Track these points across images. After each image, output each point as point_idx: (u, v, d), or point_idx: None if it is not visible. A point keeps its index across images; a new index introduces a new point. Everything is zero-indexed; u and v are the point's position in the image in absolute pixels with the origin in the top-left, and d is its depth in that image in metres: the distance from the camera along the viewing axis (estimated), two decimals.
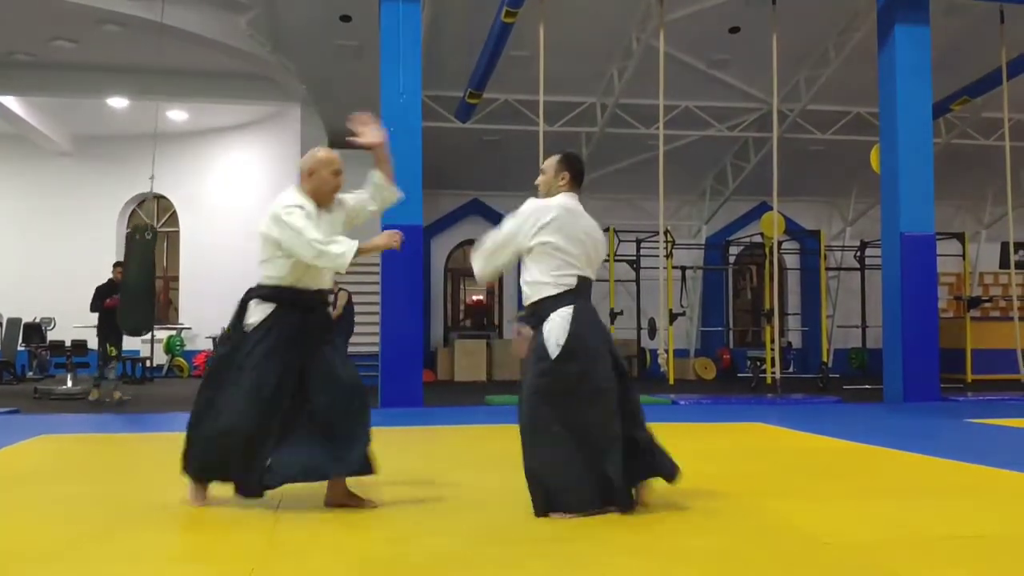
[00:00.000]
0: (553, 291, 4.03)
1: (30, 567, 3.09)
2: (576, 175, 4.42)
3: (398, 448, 6.65)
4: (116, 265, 11.43)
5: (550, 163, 4.39)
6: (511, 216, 4.23)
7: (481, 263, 4.32)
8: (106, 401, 10.82)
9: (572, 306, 4.01)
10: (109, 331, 11.04)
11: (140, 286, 10.64)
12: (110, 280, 11.22)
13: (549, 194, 4.36)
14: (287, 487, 4.08)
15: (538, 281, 4.08)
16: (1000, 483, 4.87)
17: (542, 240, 4.09)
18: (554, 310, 4.00)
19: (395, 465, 5.37)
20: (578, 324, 3.97)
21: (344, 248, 3.94)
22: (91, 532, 3.64)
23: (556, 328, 3.96)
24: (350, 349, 14.96)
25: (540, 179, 4.42)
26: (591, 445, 3.85)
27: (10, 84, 15.25)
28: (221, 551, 3.28)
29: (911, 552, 3.24)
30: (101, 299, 11.10)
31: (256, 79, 15.19)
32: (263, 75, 14.83)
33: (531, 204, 4.22)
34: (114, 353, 11.13)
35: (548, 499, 3.82)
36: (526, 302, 4.15)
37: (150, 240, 10.92)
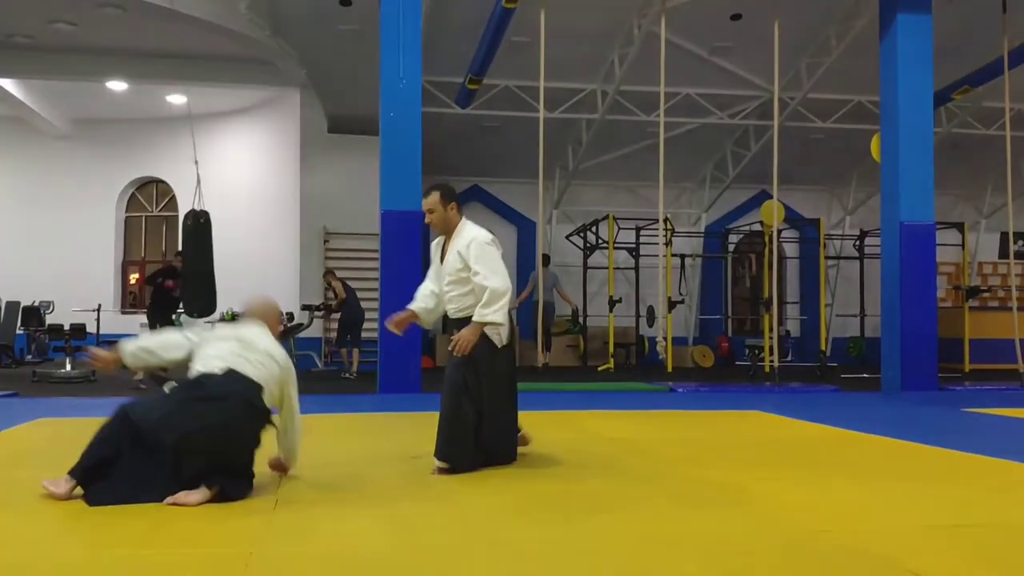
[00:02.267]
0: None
1: (26, 550, 3.10)
2: (459, 203, 5.00)
3: (398, 431, 6.67)
4: (178, 253, 12.17)
5: (434, 200, 4.89)
6: (486, 251, 4.79)
7: (505, 306, 4.75)
8: (141, 386, 10.59)
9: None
10: (161, 312, 11.46)
11: (200, 270, 11.35)
12: (171, 264, 11.83)
13: (448, 226, 4.91)
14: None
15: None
16: (997, 472, 4.88)
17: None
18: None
19: (395, 448, 5.39)
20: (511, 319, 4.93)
21: None
22: (88, 515, 3.65)
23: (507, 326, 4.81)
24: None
25: (431, 218, 4.90)
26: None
27: (9, 67, 15.19)
28: (220, 534, 3.29)
29: (908, 540, 3.25)
30: (162, 278, 11.64)
31: (256, 63, 15.13)
32: (263, 59, 14.77)
33: (488, 236, 4.87)
34: None
35: None
36: (464, 312, 4.79)
37: (204, 224, 11.37)
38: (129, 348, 4.20)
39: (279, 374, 4.16)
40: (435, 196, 4.88)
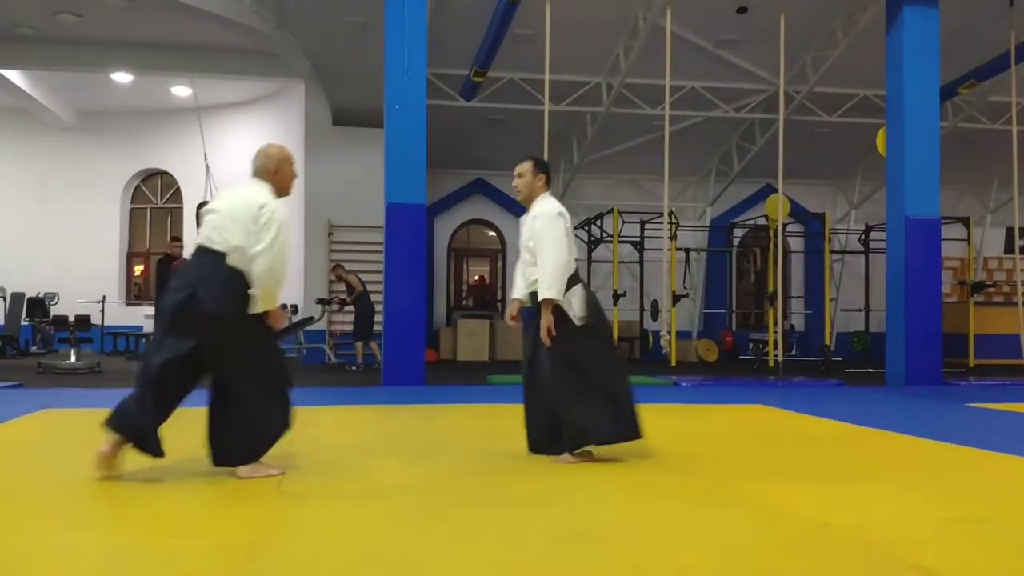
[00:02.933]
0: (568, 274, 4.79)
1: (30, 538, 3.10)
2: (549, 177, 5.06)
3: (402, 424, 6.68)
4: (174, 240, 11.94)
5: (526, 167, 4.98)
6: (549, 224, 4.77)
7: (559, 279, 4.72)
8: None
9: (580, 283, 4.85)
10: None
11: None
12: (167, 255, 11.67)
13: (531, 195, 4.97)
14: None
15: None
16: (1000, 467, 4.88)
17: (569, 228, 4.83)
18: (570, 288, 4.76)
19: (397, 442, 5.40)
20: (589, 295, 4.86)
21: None
22: (91, 505, 3.66)
23: (578, 301, 4.76)
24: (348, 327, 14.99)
25: (519, 182, 4.98)
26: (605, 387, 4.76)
27: (14, 58, 15.21)
28: (223, 524, 3.30)
29: (911, 534, 3.24)
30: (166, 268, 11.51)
31: (260, 55, 15.13)
32: (267, 51, 14.77)
33: (555, 209, 4.84)
34: None
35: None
36: (532, 286, 4.79)
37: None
38: None
39: (241, 232, 4.14)
40: (528, 164, 4.98)
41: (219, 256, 4.13)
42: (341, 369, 13.48)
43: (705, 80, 14.90)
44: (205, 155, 12.68)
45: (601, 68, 14.60)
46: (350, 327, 14.26)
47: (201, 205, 12.59)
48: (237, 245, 4.14)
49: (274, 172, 4.43)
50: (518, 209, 5.19)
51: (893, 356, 11.19)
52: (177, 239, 12.28)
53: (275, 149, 4.50)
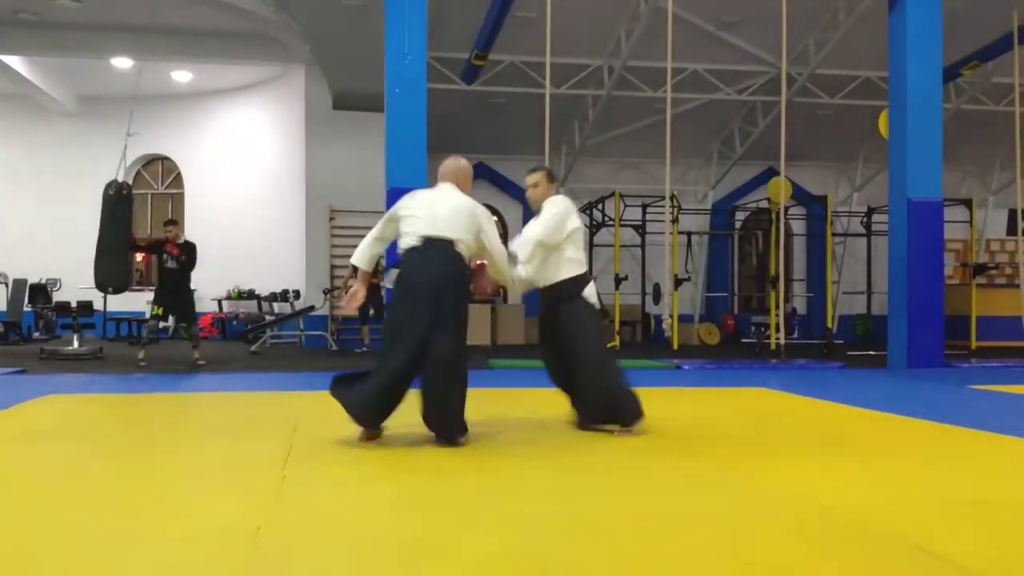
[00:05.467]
0: (583, 268, 5.30)
1: (32, 523, 3.12)
2: (557, 183, 5.76)
3: (402, 408, 6.69)
4: (167, 223, 11.57)
5: (540, 177, 5.41)
6: (553, 204, 5.25)
7: (532, 259, 5.19)
8: (141, 364, 10.58)
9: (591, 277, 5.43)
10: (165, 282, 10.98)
11: (112, 243, 10.76)
12: (156, 241, 11.44)
13: (544, 199, 5.36)
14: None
15: (574, 259, 5.24)
16: (1001, 449, 4.88)
17: (576, 226, 5.25)
18: (588, 281, 5.29)
19: (400, 425, 5.40)
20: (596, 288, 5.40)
21: None
22: (93, 489, 3.68)
23: (593, 293, 5.26)
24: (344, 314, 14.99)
25: (535, 192, 5.39)
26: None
27: (14, 44, 15.17)
28: (227, 509, 3.31)
29: (912, 516, 3.25)
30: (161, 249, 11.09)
31: (260, 39, 15.09)
32: (267, 35, 14.72)
33: (565, 201, 5.30)
34: (159, 313, 10.98)
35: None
36: (557, 278, 5.22)
37: (113, 195, 10.91)
38: (359, 261, 5.06)
39: (470, 222, 4.72)
40: (542, 174, 5.43)
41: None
42: (344, 354, 13.50)
43: (707, 62, 14.83)
44: (129, 135, 12.45)
45: (602, 51, 14.54)
46: (354, 313, 14.24)
47: (111, 185, 11.94)
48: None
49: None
50: (521, 194, 5.39)
51: (895, 338, 11.19)
52: (173, 222, 11.68)
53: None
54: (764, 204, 16.97)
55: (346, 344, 15.38)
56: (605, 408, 5.19)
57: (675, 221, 14.94)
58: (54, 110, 18.25)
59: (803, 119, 15.47)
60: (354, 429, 4.76)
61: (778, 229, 13.76)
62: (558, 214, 5.18)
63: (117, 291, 11.30)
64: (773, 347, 13.64)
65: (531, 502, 3.50)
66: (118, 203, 10.93)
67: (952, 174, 15.89)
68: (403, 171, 10.05)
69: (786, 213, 13.85)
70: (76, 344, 12.36)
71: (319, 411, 6.20)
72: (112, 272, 10.86)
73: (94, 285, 10.97)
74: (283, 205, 17.27)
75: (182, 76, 17.23)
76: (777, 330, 12.68)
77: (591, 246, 16.96)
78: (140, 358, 10.71)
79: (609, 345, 15.07)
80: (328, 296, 15.06)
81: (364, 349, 13.41)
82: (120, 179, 11.47)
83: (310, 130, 16.26)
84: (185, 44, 15.32)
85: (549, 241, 5.14)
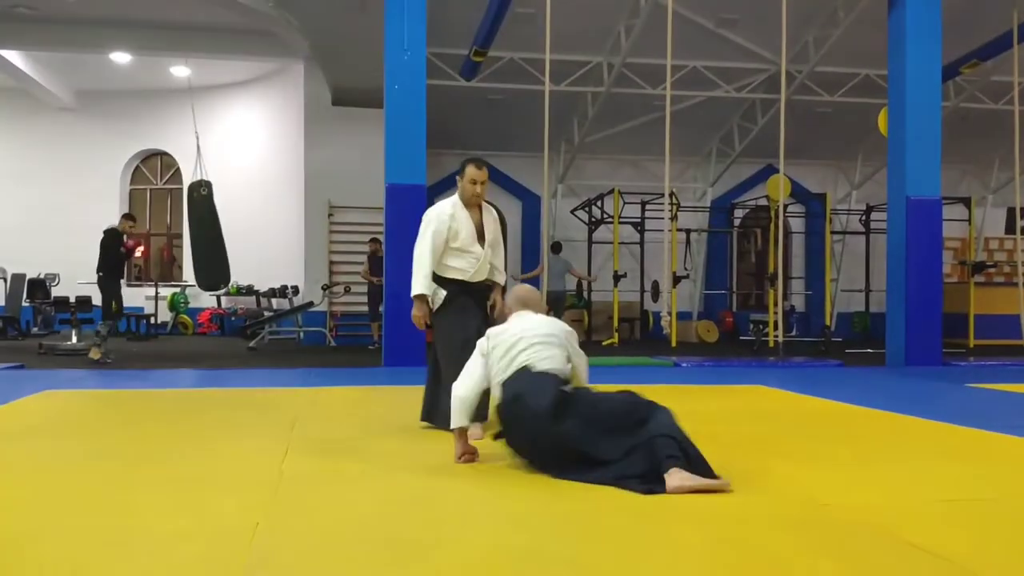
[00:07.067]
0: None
1: (29, 519, 3.12)
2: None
3: (402, 404, 6.68)
4: (125, 217, 11.48)
5: (486, 174, 5.43)
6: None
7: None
8: (107, 361, 10.65)
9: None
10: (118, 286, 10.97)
11: (205, 241, 10.90)
12: (114, 229, 11.15)
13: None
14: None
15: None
16: (999, 447, 4.88)
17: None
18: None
19: (400, 420, 5.40)
20: None
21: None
22: (90, 485, 3.67)
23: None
24: (350, 308, 15.00)
25: (484, 189, 5.42)
26: None
27: (12, 38, 15.14)
28: (224, 505, 3.31)
29: (909, 514, 3.25)
30: (115, 248, 10.84)
31: (259, 35, 15.06)
32: (266, 30, 14.69)
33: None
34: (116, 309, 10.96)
35: None
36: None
37: (206, 195, 11.04)
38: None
39: (563, 339, 4.56)
40: (486, 171, 5.44)
41: None
42: (343, 351, 13.50)
43: (706, 60, 14.82)
44: (196, 135, 12.59)
45: (602, 48, 14.53)
46: (352, 309, 14.28)
47: (195, 185, 12.43)
48: None
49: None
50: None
51: (893, 336, 11.20)
52: (130, 216, 11.49)
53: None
54: (763, 202, 16.97)
55: (344, 341, 15.38)
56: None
57: (674, 218, 14.94)
58: (52, 105, 18.23)
59: (802, 117, 15.48)
60: (348, 424, 4.75)
61: (777, 227, 13.76)
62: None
63: (216, 289, 11.54)
64: (771, 345, 13.65)
65: (528, 498, 3.50)
66: (206, 201, 11.10)
67: (951, 172, 15.91)
68: (402, 167, 10.05)
69: (785, 211, 13.85)
70: (75, 339, 12.36)
71: (317, 408, 6.20)
72: (216, 271, 11.08)
73: (202, 288, 11.12)
74: (282, 201, 17.26)
75: (180, 71, 17.20)
76: (775, 328, 12.68)
77: (590, 243, 16.96)
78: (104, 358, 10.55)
79: (608, 342, 15.10)
80: (326, 292, 15.06)
81: (374, 346, 13.51)
82: (200, 177, 11.60)
83: (309, 126, 16.24)
84: (183, 39, 15.29)
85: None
